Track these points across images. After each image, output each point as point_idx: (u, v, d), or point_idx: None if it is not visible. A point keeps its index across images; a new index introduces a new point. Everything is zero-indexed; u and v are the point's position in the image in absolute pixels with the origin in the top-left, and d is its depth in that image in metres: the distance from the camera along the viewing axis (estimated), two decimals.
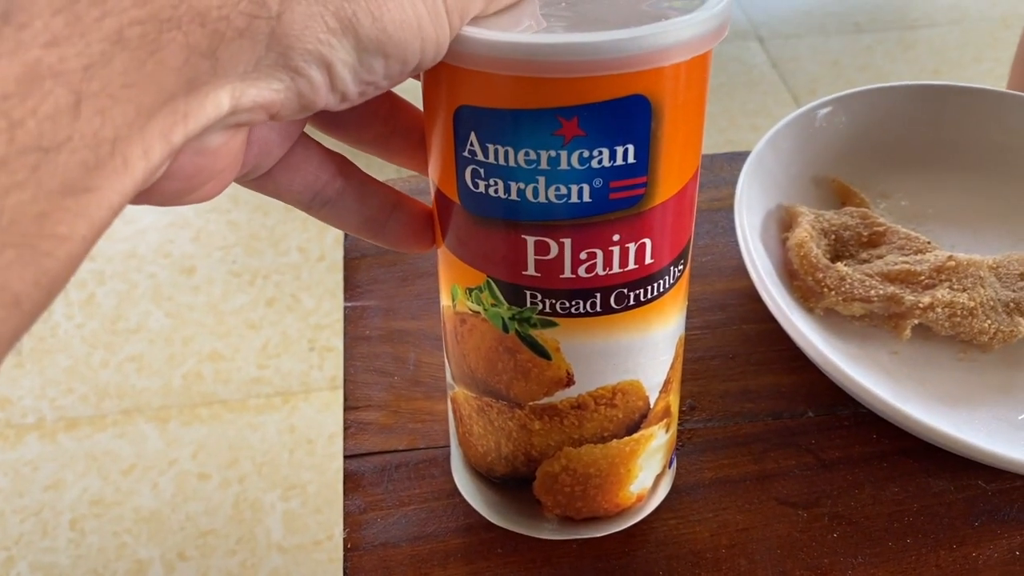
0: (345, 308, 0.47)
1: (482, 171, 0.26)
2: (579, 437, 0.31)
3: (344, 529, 0.38)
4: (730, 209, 0.45)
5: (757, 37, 1.85)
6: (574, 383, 0.30)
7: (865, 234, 0.47)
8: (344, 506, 0.39)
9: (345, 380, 0.43)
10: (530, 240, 0.26)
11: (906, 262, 0.45)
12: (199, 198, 0.23)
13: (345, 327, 0.46)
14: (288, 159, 0.27)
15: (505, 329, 0.29)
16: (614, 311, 0.28)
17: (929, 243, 0.46)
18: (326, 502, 1.11)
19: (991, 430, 0.40)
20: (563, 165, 0.24)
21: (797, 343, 0.41)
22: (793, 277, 0.45)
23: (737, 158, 0.48)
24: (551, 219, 0.26)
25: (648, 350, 0.31)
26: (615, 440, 0.32)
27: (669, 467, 0.37)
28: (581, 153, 0.24)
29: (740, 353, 0.45)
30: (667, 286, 0.29)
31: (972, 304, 0.43)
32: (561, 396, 0.30)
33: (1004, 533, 0.39)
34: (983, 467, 0.40)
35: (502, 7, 0.24)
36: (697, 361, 0.45)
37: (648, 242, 0.27)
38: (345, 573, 0.37)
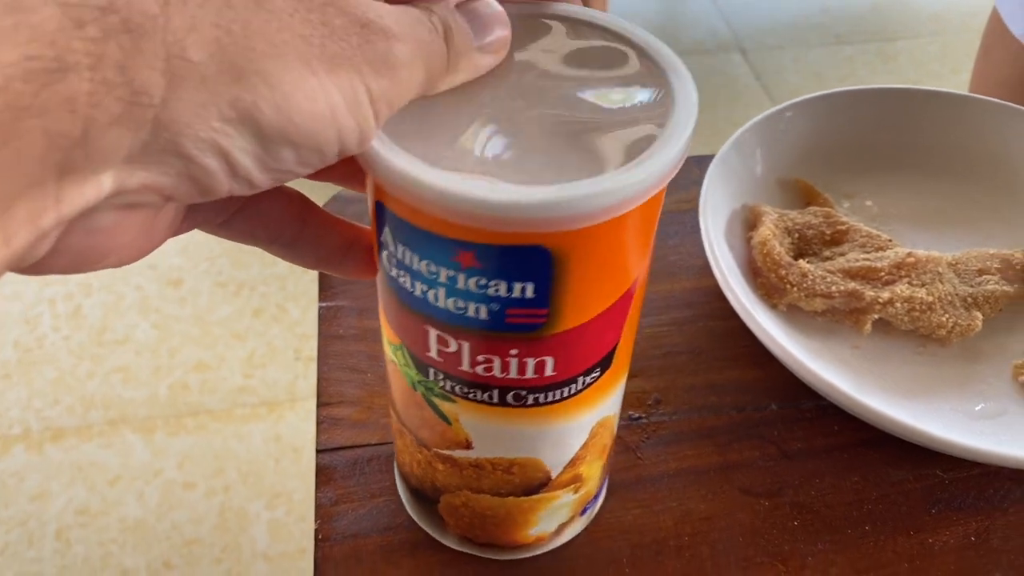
0: (320, 308, 0.48)
1: (395, 262, 0.25)
2: (477, 487, 0.32)
3: (316, 520, 0.39)
4: (697, 210, 0.46)
5: (740, 49, 1.87)
6: (472, 448, 0.30)
7: (828, 233, 0.48)
8: (316, 498, 0.40)
9: (319, 377, 0.44)
10: (432, 332, 0.26)
11: (867, 259, 0.46)
12: (108, 266, 0.22)
13: (320, 327, 0.47)
14: (246, 209, 0.27)
15: (414, 387, 0.29)
16: (511, 406, 0.28)
17: (890, 241, 0.47)
18: (312, 511, 1.12)
19: (949, 421, 0.41)
20: (460, 285, 0.24)
21: (760, 339, 0.42)
22: (757, 274, 0.46)
23: (705, 160, 0.49)
24: (451, 323, 0.25)
25: (550, 439, 0.30)
26: (512, 496, 0.32)
27: (582, 514, 0.36)
28: (478, 280, 0.24)
29: (706, 349, 0.46)
30: (574, 391, 0.28)
31: (930, 299, 0.44)
32: (460, 454, 0.31)
33: (960, 520, 0.40)
34: (941, 457, 0.41)
35: (448, 87, 0.24)
36: (664, 357, 0.46)
37: (550, 360, 0.26)
38: (316, 563, 0.37)
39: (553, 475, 0.31)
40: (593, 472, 0.34)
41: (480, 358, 0.26)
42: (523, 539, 0.35)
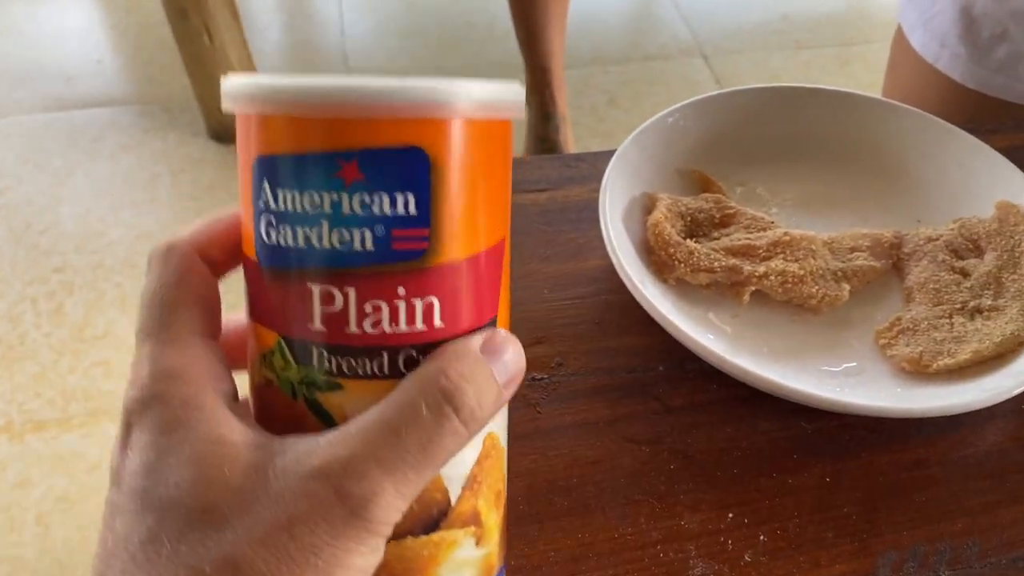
0: None
1: (274, 219, 0.26)
2: None
3: None
4: None
5: (702, 54, 1.93)
6: None
7: (717, 216, 0.54)
8: None
9: None
10: (316, 289, 0.26)
11: (748, 238, 0.52)
12: None
13: None
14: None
15: (294, 395, 0.27)
16: (402, 375, 0.26)
17: (772, 223, 0.53)
18: None
19: (815, 379, 0.47)
20: (345, 209, 0.25)
21: (647, 310, 0.47)
22: (650, 253, 0.51)
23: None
24: (336, 266, 0.26)
25: None
26: (409, 537, 0.28)
27: None
28: (362, 198, 0.25)
29: (604, 320, 0.52)
30: None
31: (802, 272, 0.50)
32: None
33: (818, 464, 0.45)
34: (806, 411, 0.47)
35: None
36: (567, 326, 0.51)
37: (435, 301, 0.26)
38: None
39: (452, 497, 0.28)
40: (491, 522, 0.30)
41: (368, 308, 0.26)
42: None
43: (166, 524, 0.24)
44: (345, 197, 0.25)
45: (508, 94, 0.27)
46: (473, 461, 0.29)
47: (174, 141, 1.73)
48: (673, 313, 0.47)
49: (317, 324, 0.26)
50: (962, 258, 0.52)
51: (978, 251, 0.52)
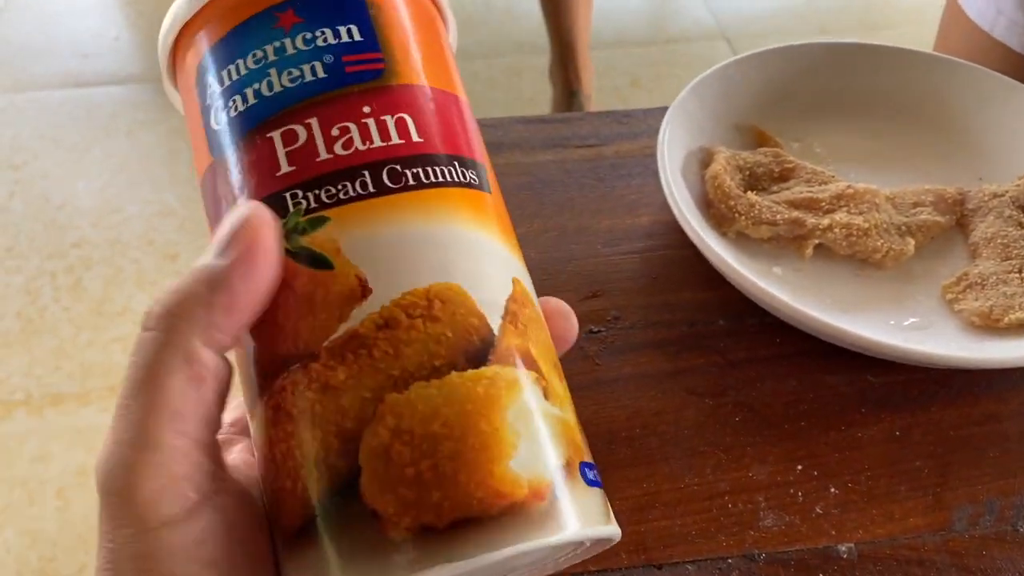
0: None
1: (220, 102, 0.25)
2: (400, 372, 0.22)
3: None
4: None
5: (725, 38, 1.92)
6: (370, 290, 0.23)
7: (776, 170, 0.52)
8: None
9: None
10: (276, 135, 0.24)
11: (810, 191, 0.50)
12: None
13: None
14: None
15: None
16: (392, 191, 0.24)
17: (833, 176, 0.52)
18: None
19: (882, 330, 0.45)
20: (290, 50, 0.25)
21: (711, 261, 0.46)
22: (709, 206, 0.50)
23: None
24: (290, 103, 0.24)
25: (460, 247, 0.24)
26: (454, 372, 0.23)
27: (581, 475, 0.24)
28: (304, 35, 0.25)
29: (662, 274, 0.50)
30: (452, 179, 0.25)
31: (867, 226, 0.48)
32: (360, 316, 0.23)
33: (887, 418, 0.44)
34: (873, 363, 0.45)
35: None
36: (624, 280, 0.50)
37: (408, 118, 0.25)
38: None
39: (490, 320, 0.24)
40: (556, 384, 0.25)
41: (335, 132, 0.24)
42: (508, 484, 0.22)
43: None
44: (288, 41, 0.25)
45: None
46: (506, 291, 0.25)
47: None
48: (737, 264, 0.45)
49: (284, 167, 0.24)
50: None
51: None
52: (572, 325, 0.28)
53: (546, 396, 0.24)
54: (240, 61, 0.25)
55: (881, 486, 0.41)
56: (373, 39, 0.26)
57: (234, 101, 0.25)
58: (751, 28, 1.95)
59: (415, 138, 0.25)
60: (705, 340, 0.47)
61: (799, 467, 0.42)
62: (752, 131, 0.56)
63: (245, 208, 0.23)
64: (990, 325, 0.45)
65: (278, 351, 0.24)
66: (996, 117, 0.55)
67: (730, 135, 0.55)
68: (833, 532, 0.40)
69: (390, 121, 0.25)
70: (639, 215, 0.53)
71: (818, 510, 0.40)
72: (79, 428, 1.21)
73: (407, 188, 0.24)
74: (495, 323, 0.24)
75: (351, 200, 0.24)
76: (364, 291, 0.23)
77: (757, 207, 0.49)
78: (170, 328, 0.22)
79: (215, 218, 0.25)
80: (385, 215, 0.24)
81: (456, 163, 0.26)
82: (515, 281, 0.25)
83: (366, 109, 0.25)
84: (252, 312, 0.23)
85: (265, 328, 0.24)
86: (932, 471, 0.42)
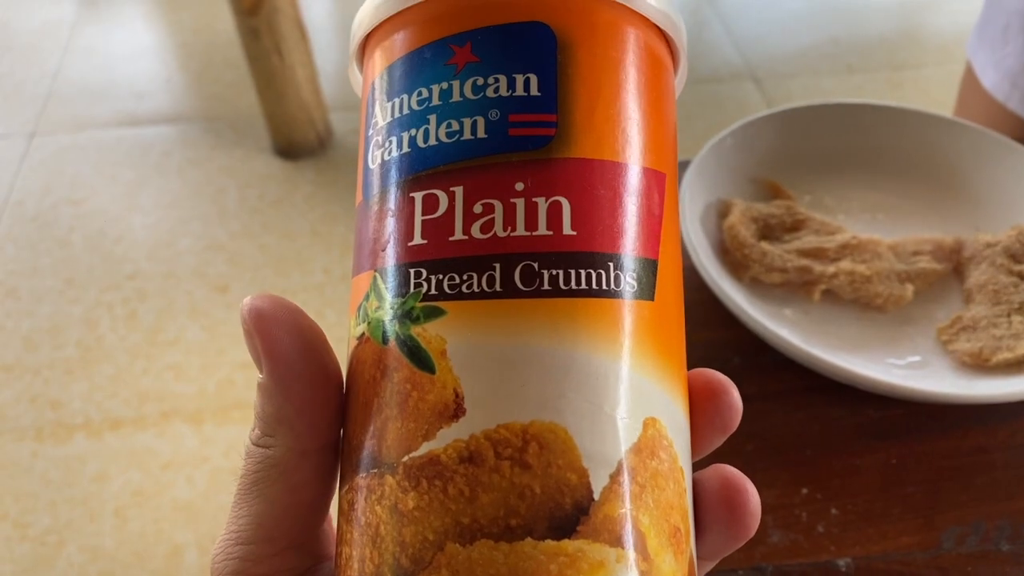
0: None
1: (380, 139, 0.23)
2: (471, 522, 0.20)
3: None
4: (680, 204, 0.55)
5: (753, 78, 1.97)
6: (464, 411, 0.20)
7: (788, 221, 0.58)
8: None
9: None
10: (418, 197, 0.21)
11: (819, 241, 0.55)
12: None
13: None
14: None
15: (385, 340, 0.21)
16: (521, 294, 0.20)
17: (841, 227, 0.57)
18: None
19: (882, 369, 0.50)
20: (455, 96, 0.21)
21: (726, 304, 0.51)
22: (726, 253, 0.55)
23: (687, 165, 0.59)
24: (441, 163, 0.21)
25: (580, 378, 0.21)
26: (529, 539, 0.19)
27: None
28: (475, 81, 0.21)
29: None
30: (599, 286, 0.21)
31: (869, 273, 0.53)
32: (446, 438, 0.20)
33: (884, 448, 0.49)
34: (873, 399, 0.50)
35: None
36: None
37: (565, 202, 0.21)
38: None
39: (592, 479, 0.20)
40: (665, 564, 0.21)
41: (478, 208, 0.21)
42: None
43: None
44: (456, 84, 0.21)
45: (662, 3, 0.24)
46: (624, 430, 0.21)
47: (240, 157, 1.80)
48: (750, 308, 0.51)
49: (417, 238, 0.21)
50: (1019, 262, 0.55)
51: None
52: (729, 405, 0.24)
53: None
54: (405, 97, 0.22)
55: (877, 508, 0.46)
56: (552, 95, 0.21)
57: (389, 143, 0.22)
58: (780, 68, 2.00)
59: (566, 230, 0.21)
60: None
61: (804, 490, 0.47)
62: (767, 184, 0.61)
63: (248, 316, 0.22)
64: (980, 364, 0.50)
65: (363, 446, 0.21)
66: (992, 173, 0.60)
67: (746, 188, 0.61)
68: (833, 548, 0.44)
69: (542, 205, 0.21)
70: None
71: (820, 528, 0.45)
72: (135, 451, 1.28)
73: (539, 293, 0.20)
74: (599, 483, 0.20)
75: (473, 296, 0.20)
76: (458, 410, 0.20)
77: (769, 255, 0.54)
78: (263, 443, 0.23)
79: (355, 264, 0.23)
80: (504, 323, 0.20)
81: (612, 264, 0.21)
82: (648, 424, 0.21)
83: (519, 186, 0.21)
84: (317, 414, 0.22)
85: (359, 413, 0.22)
86: (924, 495, 0.47)
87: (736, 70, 2.00)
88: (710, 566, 0.25)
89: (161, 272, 1.56)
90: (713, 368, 0.43)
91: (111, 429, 1.31)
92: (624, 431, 0.20)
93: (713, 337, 0.54)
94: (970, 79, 0.79)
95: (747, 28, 2.14)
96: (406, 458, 0.20)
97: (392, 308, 0.21)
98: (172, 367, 1.40)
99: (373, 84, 0.24)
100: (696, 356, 0.53)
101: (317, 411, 0.22)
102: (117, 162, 1.81)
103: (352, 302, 0.23)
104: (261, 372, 0.22)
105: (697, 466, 0.25)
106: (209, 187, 1.75)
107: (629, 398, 0.21)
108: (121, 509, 1.22)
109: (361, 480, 0.21)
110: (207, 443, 1.29)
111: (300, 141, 1.77)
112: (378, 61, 0.24)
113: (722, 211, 0.58)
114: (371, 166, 0.23)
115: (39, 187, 1.76)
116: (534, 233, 0.21)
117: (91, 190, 1.74)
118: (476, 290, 0.20)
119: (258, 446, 0.23)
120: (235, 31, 1.63)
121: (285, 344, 0.22)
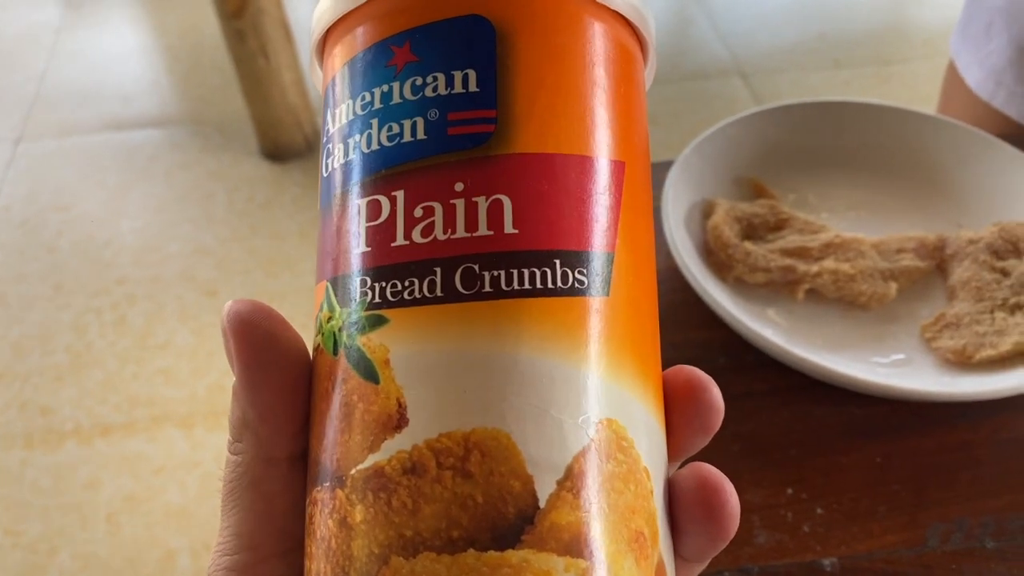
0: None
1: (331, 146, 0.23)
2: (413, 535, 0.19)
3: None
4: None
5: (740, 74, 1.97)
6: (407, 421, 0.20)
7: (772, 220, 0.58)
8: None
9: None
10: (363, 204, 0.21)
11: (802, 240, 0.56)
12: None
13: None
14: None
15: (335, 350, 0.21)
16: (462, 297, 0.20)
17: (824, 226, 0.57)
18: None
19: (866, 368, 0.51)
20: (395, 99, 0.21)
21: (710, 305, 0.51)
22: (710, 254, 0.56)
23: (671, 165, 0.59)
24: (382, 167, 0.21)
25: (522, 382, 0.20)
26: (472, 550, 0.19)
27: None
28: (414, 81, 0.21)
29: (666, 316, 0.55)
30: (543, 285, 0.20)
31: (853, 272, 0.54)
32: (391, 449, 0.20)
33: (869, 446, 0.49)
34: (857, 399, 0.50)
35: None
36: None
37: (506, 200, 0.20)
38: None
39: (537, 488, 0.19)
40: (621, 560, 0.20)
41: (418, 212, 0.20)
42: None
43: None
44: (396, 85, 0.21)
45: None
46: (572, 444, 0.20)
47: (228, 160, 1.80)
48: (734, 309, 0.51)
49: (362, 246, 0.21)
50: (1002, 259, 0.55)
51: (1017, 252, 0.56)
52: (709, 404, 0.24)
53: None
54: (350, 103, 0.22)
55: (862, 507, 0.46)
56: (491, 90, 0.21)
57: (338, 150, 0.22)
58: (767, 64, 2.00)
59: (508, 229, 0.20)
60: None
61: (789, 490, 0.47)
62: (751, 183, 0.61)
63: (226, 319, 0.23)
64: (963, 361, 0.50)
65: (319, 459, 0.21)
66: (975, 170, 0.61)
67: (730, 188, 0.61)
68: (818, 548, 0.45)
69: (482, 204, 0.20)
70: None
71: (805, 528, 0.45)
72: (126, 456, 1.28)
73: (480, 296, 0.20)
74: (545, 490, 0.19)
75: (415, 303, 0.20)
76: (401, 420, 0.20)
77: (753, 255, 0.54)
78: (233, 450, 0.23)
79: (316, 274, 0.23)
80: (446, 328, 0.20)
81: (558, 261, 0.20)
82: (603, 425, 0.20)
83: (459, 187, 0.20)
84: (281, 421, 0.22)
85: (316, 425, 0.22)
86: (909, 493, 0.47)
87: (723, 66, 2.00)
88: (700, 568, 0.25)
89: (150, 276, 1.56)
90: (700, 368, 0.43)
91: (102, 435, 1.31)
92: (573, 434, 0.20)
93: (698, 337, 0.54)
94: (953, 77, 0.79)
95: (734, 24, 2.14)
96: (354, 471, 0.20)
97: (341, 318, 0.21)
98: (162, 372, 1.40)
99: (326, 93, 0.23)
100: (681, 356, 0.53)
101: (281, 418, 0.22)
102: (104, 167, 1.80)
103: (314, 313, 0.23)
104: (235, 374, 0.22)
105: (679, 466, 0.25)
106: (197, 190, 1.74)
107: (580, 400, 0.20)
108: (113, 515, 1.21)
109: (317, 493, 0.21)
110: (198, 448, 1.29)
111: (287, 143, 1.77)
112: (328, 70, 0.24)
113: (706, 211, 0.58)
114: (324, 174, 0.23)
115: (26, 192, 1.75)
116: (474, 234, 0.20)
117: (78, 195, 1.74)
118: (418, 296, 0.20)
119: (231, 453, 0.23)
120: (220, 34, 1.62)
121: (255, 349, 0.22)
